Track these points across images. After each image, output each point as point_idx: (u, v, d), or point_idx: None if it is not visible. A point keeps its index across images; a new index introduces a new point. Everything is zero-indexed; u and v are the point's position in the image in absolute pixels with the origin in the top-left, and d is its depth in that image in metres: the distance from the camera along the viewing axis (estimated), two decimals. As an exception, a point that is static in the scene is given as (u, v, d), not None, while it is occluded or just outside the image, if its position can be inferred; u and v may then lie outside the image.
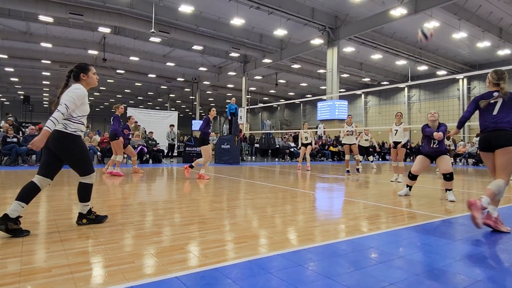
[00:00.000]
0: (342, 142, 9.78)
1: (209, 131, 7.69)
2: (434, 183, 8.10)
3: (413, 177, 5.45)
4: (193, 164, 7.76)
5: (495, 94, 3.56)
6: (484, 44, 19.25)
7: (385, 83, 29.52)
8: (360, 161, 10.15)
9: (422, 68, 25.09)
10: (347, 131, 9.43)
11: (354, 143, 9.51)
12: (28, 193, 2.91)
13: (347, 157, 9.89)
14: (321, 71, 26.43)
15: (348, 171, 9.58)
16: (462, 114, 3.89)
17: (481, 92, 18.56)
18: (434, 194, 6.12)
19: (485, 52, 21.97)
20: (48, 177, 3.00)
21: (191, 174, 8.15)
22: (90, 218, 3.23)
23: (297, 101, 31.22)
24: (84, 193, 3.16)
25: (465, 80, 26.16)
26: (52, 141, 2.92)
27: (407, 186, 5.58)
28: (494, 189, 3.29)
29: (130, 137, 8.88)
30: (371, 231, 3.25)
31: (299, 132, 11.96)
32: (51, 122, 2.73)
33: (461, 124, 3.96)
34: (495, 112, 3.51)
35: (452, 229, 3.44)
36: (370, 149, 13.55)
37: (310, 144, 11.16)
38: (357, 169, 9.71)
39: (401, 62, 24.38)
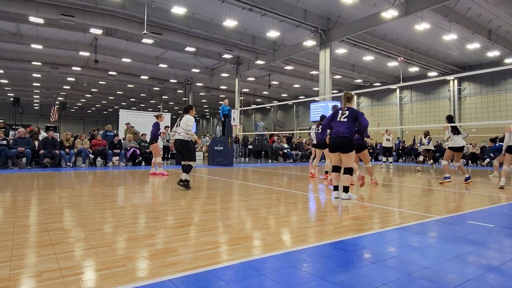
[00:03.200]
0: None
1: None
2: (425, 183, 8.18)
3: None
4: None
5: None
6: (473, 45, 19.50)
7: (377, 84, 29.75)
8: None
9: (414, 69, 25.32)
10: None
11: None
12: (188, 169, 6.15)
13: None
14: (314, 72, 26.50)
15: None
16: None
17: (471, 93, 18.57)
18: (425, 194, 6.18)
19: (475, 53, 22.26)
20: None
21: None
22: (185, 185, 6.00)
23: (290, 102, 31.28)
24: (187, 168, 6.14)
25: (455, 81, 26.46)
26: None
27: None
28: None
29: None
30: (363, 232, 3.27)
31: (291, 133, 12.04)
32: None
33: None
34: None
35: (444, 229, 3.48)
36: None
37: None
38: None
39: (392, 64, 24.59)
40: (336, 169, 5.39)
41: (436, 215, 4.06)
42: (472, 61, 24.16)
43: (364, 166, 7.75)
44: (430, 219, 3.87)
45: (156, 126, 8.93)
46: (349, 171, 5.15)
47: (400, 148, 20.56)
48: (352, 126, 5.16)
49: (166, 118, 17.71)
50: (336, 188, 5.36)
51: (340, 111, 5.32)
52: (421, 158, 12.94)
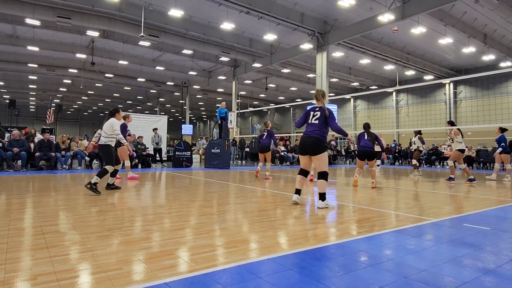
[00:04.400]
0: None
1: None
2: (422, 186, 8.21)
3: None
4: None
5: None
6: (469, 49, 19.64)
7: (373, 87, 29.88)
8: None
9: (410, 72, 25.46)
10: None
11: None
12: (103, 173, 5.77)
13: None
14: (311, 75, 26.58)
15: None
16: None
17: (467, 96, 18.34)
18: (421, 197, 6.20)
19: (470, 57, 22.43)
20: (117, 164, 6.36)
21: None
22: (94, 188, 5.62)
23: (287, 105, 31.35)
24: (102, 172, 5.75)
25: (451, 84, 26.64)
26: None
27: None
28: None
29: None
30: (360, 235, 3.27)
31: (288, 136, 11.85)
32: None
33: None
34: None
35: (440, 232, 3.49)
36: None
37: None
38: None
39: (389, 67, 24.72)
40: (302, 172, 4.95)
41: (432, 218, 4.07)
42: (468, 64, 24.35)
43: (359, 168, 7.79)
44: (426, 222, 3.88)
45: (123, 127, 8.00)
46: (323, 175, 4.69)
47: (396, 151, 20.64)
48: (323, 128, 4.77)
49: (163, 121, 17.67)
50: (297, 191, 4.88)
51: (312, 112, 4.92)
52: (414, 161, 11.55)
